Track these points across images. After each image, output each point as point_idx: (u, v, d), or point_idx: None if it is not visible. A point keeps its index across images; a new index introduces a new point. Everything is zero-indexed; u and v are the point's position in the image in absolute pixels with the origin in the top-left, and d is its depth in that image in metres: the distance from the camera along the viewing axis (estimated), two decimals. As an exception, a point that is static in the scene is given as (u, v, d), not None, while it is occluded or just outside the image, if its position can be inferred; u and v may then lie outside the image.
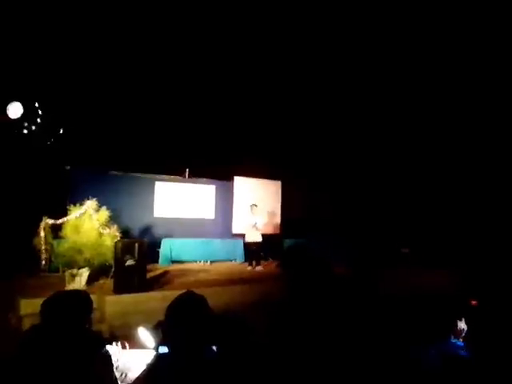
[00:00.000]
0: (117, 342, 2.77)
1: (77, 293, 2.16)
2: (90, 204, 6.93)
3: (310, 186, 12.35)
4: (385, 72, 9.78)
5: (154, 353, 2.56)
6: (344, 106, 11.09)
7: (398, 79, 9.85)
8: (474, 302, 3.79)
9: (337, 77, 10.03)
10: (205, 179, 11.49)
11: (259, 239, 9.29)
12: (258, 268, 9.10)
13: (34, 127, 8.14)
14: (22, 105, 7.76)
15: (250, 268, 9.04)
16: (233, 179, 11.50)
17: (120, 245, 5.86)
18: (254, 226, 9.34)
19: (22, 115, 7.80)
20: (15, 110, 7.66)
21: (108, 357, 2.02)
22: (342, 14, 8.05)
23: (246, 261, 9.76)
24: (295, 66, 9.77)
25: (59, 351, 1.81)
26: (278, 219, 11.94)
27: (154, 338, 2.91)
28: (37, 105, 8.25)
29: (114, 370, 2.23)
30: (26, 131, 8.05)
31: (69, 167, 9.16)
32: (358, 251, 10.01)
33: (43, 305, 1.99)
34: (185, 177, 11.23)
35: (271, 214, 11.55)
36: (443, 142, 11.21)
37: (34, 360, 1.78)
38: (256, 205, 9.48)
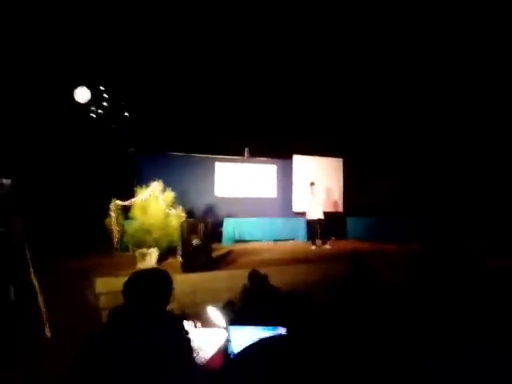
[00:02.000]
0: (188, 320, 2.82)
1: (157, 271, 2.18)
2: (156, 185, 7.12)
3: (374, 165, 11.90)
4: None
5: (224, 332, 2.58)
6: (412, 87, 10.57)
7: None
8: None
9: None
10: (265, 158, 11.45)
11: (320, 216, 9.13)
12: (326, 246, 8.99)
13: (100, 111, 8.46)
14: (90, 90, 8.08)
15: (314, 247, 8.93)
16: (293, 158, 11.36)
17: (186, 225, 6.00)
18: (315, 203, 9.21)
19: (90, 100, 8.12)
20: (82, 94, 7.98)
21: (189, 339, 2.03)
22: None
23: (308, 239, 9.66)
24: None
25: (146, 331, 1.83)
26: (339, 197, 11.67)
27: (224, 316, 2.93)
28: (103, 89, 8.55)
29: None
30: (93, 115, 8.40)
31: (133, 149, 9.49)
32: (425, 234, 9.53)
33: (126, 285, 2.01)
34: (244, 156, 11.27)
35: (332, 192, 11.31)
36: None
37: (121, 339, 1.81)
38: (314, 183, 9.32)
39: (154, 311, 1.94)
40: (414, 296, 4.55)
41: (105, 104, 8.54)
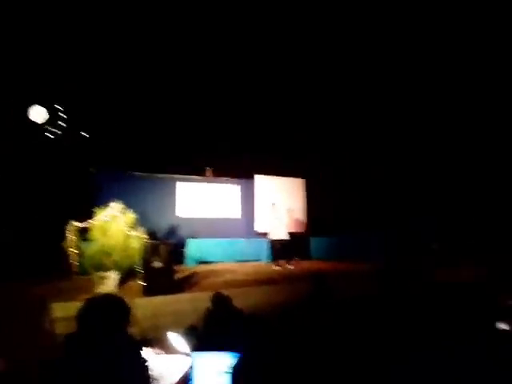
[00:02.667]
0: (149, 346, 2.73)
1: (111, 298, 2.10)
2: (116, 206, 6.94)
3: (335, 183, 12.17)
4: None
5: (188, 358, 2.51)
6: (365, 99, 10.90)
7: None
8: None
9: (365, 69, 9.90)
10: (227, 178, 11.46)
11: (285, 236, 9.18)
12: (289, 267, 9.00)
13: (57, 131, 8.24)
14: (47, 109, 7.86)
15: (277, 268, 8.92)
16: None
17: (148, 247, 5.87)
18: (278, 223, 9.27)
19: (48, 120, 7.90)
20: (38, 113, 7.75)
21: (145, 368, 1.97)
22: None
23: (272, 260, 9.67)
24: (317, 59, 9.66)
25: (99, 360, 1.76)
26: (303, 217, 11.80)
27: (187, 342, 2.86)
28: (60, 108, 8.35)
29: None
30: (50, 135, 8.16)
31: (94, 170, 9.27)
32: (387, 247, 9.83)
33: (78, 312, 1.94)
34: (206, 176, 11.22)
35: (294, 212, 11.43)
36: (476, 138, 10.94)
37: (74, 368, 1.73)
38: (275, 203, 9.44)
39: (108, 339, 1.86)
40: (375, 312, 4.63)
41: (62, 124, 8.29)
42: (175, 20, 8.04)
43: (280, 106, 10.96)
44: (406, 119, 11.13)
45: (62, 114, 8.40)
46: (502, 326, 2.85)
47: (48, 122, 8.00)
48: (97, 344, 1.81)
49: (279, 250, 9.20)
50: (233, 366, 2.22)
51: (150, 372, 2.25)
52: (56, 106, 8.30)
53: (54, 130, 8.24)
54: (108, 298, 2.08)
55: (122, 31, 7.83)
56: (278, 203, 9.54)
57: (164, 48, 8.72)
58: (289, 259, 9.18)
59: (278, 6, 7.98)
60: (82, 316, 1.91)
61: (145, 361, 2.01)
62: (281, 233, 9.19)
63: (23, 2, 6.65)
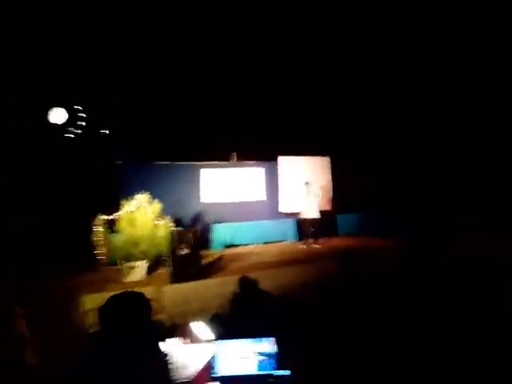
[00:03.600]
0: (174, 335, 2.78)
1: (132, 295, 2.13)
2: (142, 197, 7.06)
3: (361, 160, 11.96)
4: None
5: (211, 347, 2.55)
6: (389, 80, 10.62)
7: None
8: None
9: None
10: (251, 162, 11.41)
11: (317, 215, 9.13)
12: (316, 246, 9.00)
13: (78, 131, 8.38)
14: (66, 110, 7.99)
15: (304, 246, 8.92)
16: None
17: (174, 235, 5.95)
18: (311, 202, 9.20)
19: (67, 120, 8.04)
20: (58, 115, 7.89)
21: (165, 362, 2.01)
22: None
23: (300, 239, 9.66)
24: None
25: (120, 356, 1.80)
26: (329, 195, 11.68)
27: (212, 330, 2.90)
28: (79, 108, 8.46)
29: (171, 366, 2.23)
30: (71, 135, 8.31)
31: (120, 162, 9.41)
32: (415, 224, 9.65)
33: (100, 310, 1.98)
34: (230, 161, 11.22)
35: (323, 190, 11.33)
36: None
37: (98, 365, 1.78)
38: (308, 182, 9.38)
39: (129, 335, 1.90)
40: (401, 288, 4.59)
41: (82, 123, 8.42)
42: (187, 17, 7.97)
43: (299, 87, 10.78)
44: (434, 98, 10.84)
45: (82, 114, 8.50)
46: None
47: (69, 122, 8.12)
48: (118, 342, 1.85)
49: (308, 229, 9.17)
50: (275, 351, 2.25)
51: (173, 362, 2.30)
52: (75, 106, 8.40)
53: (75, 129, 8.36)
54: (127, 294, 2.11)
55: (137, 28, 7.83)
56: (311, 182, 9.46)
57: (185, 37, 8.68)
58: (316, 238, 9.14)
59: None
60: (102, 315, 1.96)
61: (165, 355, 2.05)
62: (313, 212, 9.13)
63: (40, 6, 6.70)
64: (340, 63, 10.23)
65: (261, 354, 2.32)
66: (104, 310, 1.96)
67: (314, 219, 9.14)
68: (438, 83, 10.68)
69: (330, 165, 11.91)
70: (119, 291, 2.13)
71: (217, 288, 5.41)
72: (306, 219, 9.26)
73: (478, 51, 9.13)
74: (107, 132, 9.15)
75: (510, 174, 10.57)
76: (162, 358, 2.00)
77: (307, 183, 9.36)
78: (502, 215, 9.86)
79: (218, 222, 9.87)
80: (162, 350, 2.06)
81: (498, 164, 10.91)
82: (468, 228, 9.65)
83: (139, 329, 1.97)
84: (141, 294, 2.13)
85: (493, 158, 11.01)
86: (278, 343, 2.32)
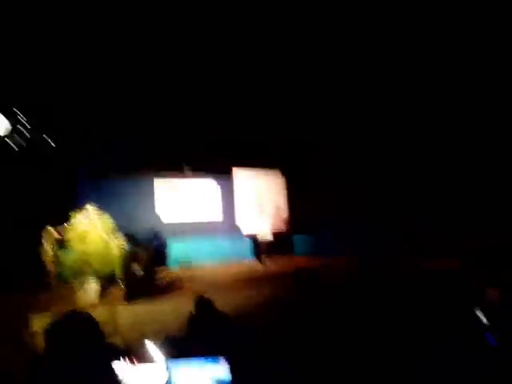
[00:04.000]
0: (129, 356, 2.69)
1: (79, 316, 2.04)
2: (92, 209, 6.79)
3: (314, 178, 12.16)
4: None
5: (163, 367, 2.48)
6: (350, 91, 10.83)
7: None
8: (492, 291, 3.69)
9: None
10: (205, 173, 11.32)
11: (269, 237, 9.15)
12: (271, 264, 8.97)
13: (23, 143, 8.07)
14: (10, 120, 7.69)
15: (260, 266, 8.90)
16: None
17: (127, 253, 5.80)
18: (263, 223, 9.24)
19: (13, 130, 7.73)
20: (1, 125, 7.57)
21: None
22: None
23: (254, 259, 9.68)
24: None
25: (69, 379, 1.72)
26: (284, 214, 11.80)
27: (163, 351, 2.82)
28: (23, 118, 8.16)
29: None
30: (14, 146, 7.99)
31: (70, 173, 9.11)
32: (367, 243, 9.91)
33: (45, 333, 1.89)
34: (183, 173, 11.08)
35: (278, 210, 11.45)
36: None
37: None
38: (261, 203, 9.41)
39: (79, 357, 1.82)
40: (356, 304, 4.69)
41: (26, 134, 8.11)
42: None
43: (258, 101, 10.82)
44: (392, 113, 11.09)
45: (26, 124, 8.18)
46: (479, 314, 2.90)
47: (14, 132, 7.79)
48: (66, 364, 1.77)
49: (262, 249, 9.18)
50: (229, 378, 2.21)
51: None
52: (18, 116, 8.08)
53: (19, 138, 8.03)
54: (73, 315, 2.03)
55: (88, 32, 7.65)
56: (263, 199, 9.50)
57: (155, 50, 8.56)
58: (270, 257, 9.19)
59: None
60: (47, 338, 1.86)
61: (116, 376, 1.97)
62: (266, 233, 9.14)
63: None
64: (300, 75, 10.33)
65: (217, 381, 2.29)
66: (48, 333, 1.88)
67: (267, 240, 9.14)
68: (410, 92, 10.88)
69: (284, 182, 12.03)
70: (69, 311, 2.05)
71: (172, 308, 5.30)
72: (259, 240, 9.30)
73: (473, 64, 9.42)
74: (53, 144, 8.81)
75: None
76: (115, 379, 1.93)
77: (259, 205, 9.40)
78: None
79: (175, 236, 9.71)
80: (115, 371, 1.98)
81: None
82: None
83: (87, 350, 1.90)
84: (88, 315, 2.06)
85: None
86: (230, 363, 2.30)
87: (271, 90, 10.59)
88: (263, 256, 9.12)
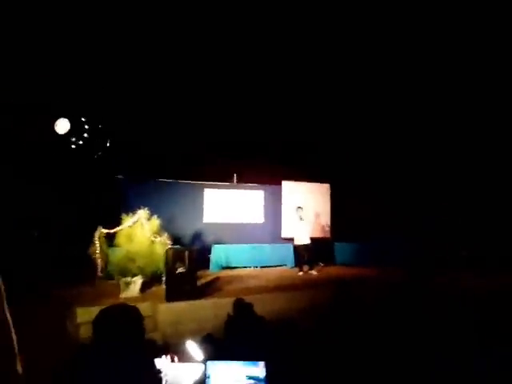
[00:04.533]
0: (166, 354, 2.77)
1: (125, 308, 2.13)
2: (142, 213, 7.09)
3: (362, 187, 12.02)
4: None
5: (201, 366, 2.54)
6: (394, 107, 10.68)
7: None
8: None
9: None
10: (253, 184, 11.51)
11: (307, 241, 9.09)
12: (313, 272, 8.88)
13: (81, 142, 8.45)
14: (69, 120, 8.07)
15: (300, 273, 8.87)
16: (281, 183, 11.41)
17: (170, 253, 5.92)
18: (302, 228, 9.19)
19: (69, 130, 8.10)
20: (62, 126, 7.98)
21: (159, 380, 2.01)
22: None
23: (296, 265, 9.63)
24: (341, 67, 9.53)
25: (113, 371, 1.80)
26: (327, 222, 11.71)
27: (203, 350, 2.88)
28: (83, 119, 8.53)
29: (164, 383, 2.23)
30: (73, 146, 8.38)
31: (121, 176, 9.50)
32: (414, 255, 9.65)
33: (93, 322, 1.98)
34: (233, 182, 11.32)
35: (320, 217, 11.36)
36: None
37: (89, 378, 1.77)
38: (301, 207, 9.34)
39: (123, 349, 1.90)
40: (398, 319, 4.56)
41: (85, 135, 8.49)
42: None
43: (304, 114, 10.87)
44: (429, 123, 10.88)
45: (86, 126, 8.56)
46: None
47: (70, 133, 8.19)
48: (110, 355, 1.85)
49: (303, 255, 9.13)
50: (264, 375, 2.25)
51: (165, 380, 2.30)
52: (80, 117, 8.48)
53: (78, 140, 8.42)
54: (121, 308, 2.12)
55: (137, 44, 7.93)
56: (304, 207, 9.46)
57: (195, 61, 8.80)
58: (312, 265, 9.07)
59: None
60: (95, 327, 1.96)
61: (159, 371, 2.05)
62: (304, 238, 9.12)
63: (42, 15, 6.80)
64: (342, 93, 10.29)
65: (251, 377, 2.32)
66: (98, 323, 1.97)
67: (306, 245, 9.08)
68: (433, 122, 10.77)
69: (329, 192, 12.00)
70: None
71: (211, 309, 5.39)
72: (299, 245, 9.20)
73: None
74: (109, 144, 9.18)
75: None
76: (156, 375, 2.00)
77: (299, 207, 9.35)
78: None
79: (219, 243, 9.87)
80: (156, 366, 2.06)
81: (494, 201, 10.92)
82: (464, 261, 9.67)
83: (134, 343, 1.98)
84: (135, 309, 2.14)
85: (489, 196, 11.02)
86: (269, 368, 2.32)
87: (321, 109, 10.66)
88: (304, 263, 9.04)
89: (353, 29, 8.13)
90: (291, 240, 10.03)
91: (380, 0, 7.46)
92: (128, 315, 2.04)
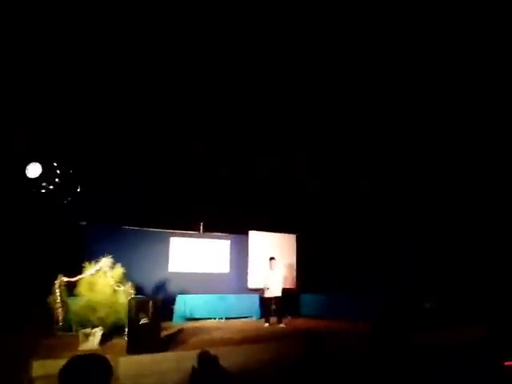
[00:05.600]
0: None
1: (95, 358, 2.06)
2: (105, 261, 6.95)
3: (326, 238, 12.22)
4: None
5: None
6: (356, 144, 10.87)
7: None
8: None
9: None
10: (219, 234, 11.52)
11: (279, 293, 8.98)
12: (281, 325, 8.69)
13: (51, 186, 8.32)
14: (41, 164, 7.99)
15: (266, 325, 8.72)
16: (247, 233, 11.46)
17: (133, 303, 5.76)
18: (274, 279, 9.07)
19: (41, 174, 8.00)
20: (33, 169, 7.89)
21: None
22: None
23: (261, 317, 9.49)
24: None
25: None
26: (294, 273, 11.74)
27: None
28: (55, 164, 8.46)
29: None
30: (43, 190, 8.24)
31: (84, 223, 9.30)
32: (379, 306, 9.71)
33: (60, 372, 1.91)
34: (199, 231, 11.28)
35: (288, 268, 11.38)
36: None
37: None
38: (274, 258, 9.31)
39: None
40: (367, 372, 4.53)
41: (56, 180, 8.39)
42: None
43: (269, 164, 11.06)
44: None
45: (57, 170, 8.48)
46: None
47: (42, 178, 8.08)
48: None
49: (271, 306, 9.01)
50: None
51: None
52: (52, 161, 8.41)
53: (48, 185, 8.29)
54: (90, 357, 2.06)
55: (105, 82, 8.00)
56: (276, 258, 9.42)
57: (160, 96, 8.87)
58: (280, 317, 8.92)
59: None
60: (62, 376, 1.89)
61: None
62: (276, 289, 8.98)
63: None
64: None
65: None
66: (65, 371, 1.90)
67: (276, 297, 8.99)
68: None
69: (295, 243, 12.11)
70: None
71: (175, 362, 5.20)
72: (269, 297, 9.07)
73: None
74: (78, 189, 9.07)
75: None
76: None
77: (272, 258, 9.28)
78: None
79: (184, 293, 9.67)
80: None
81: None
82: (429, 313, 9.79)
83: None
84: (105, 358, 2.08)
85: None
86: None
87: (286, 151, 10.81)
88: (270, 315, 8.92)
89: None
90: (257, 291, 9.96)
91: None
92: (99, 366, 1.99)
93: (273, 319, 8.91)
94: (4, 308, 7.15)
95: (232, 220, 11.28)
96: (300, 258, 11.99)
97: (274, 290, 8.97)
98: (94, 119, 8.45)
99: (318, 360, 4.92)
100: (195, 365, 4.23)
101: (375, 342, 6.18)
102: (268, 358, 5.64)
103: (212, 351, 4.44)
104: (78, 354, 2.09)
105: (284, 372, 4.85)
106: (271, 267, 9.15)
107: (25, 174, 7.85)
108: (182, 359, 5.09)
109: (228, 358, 4.68)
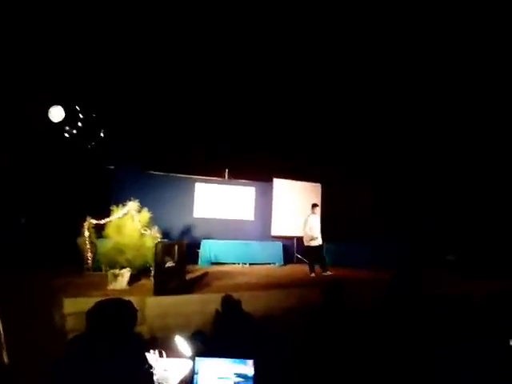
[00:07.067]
0: (154, 349, 2.73)
1: (121, 302, 2.10)
2: (132, 205, 7.02)
3: (352, 188, 12.04)
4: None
5: (189, 362, 2.51)
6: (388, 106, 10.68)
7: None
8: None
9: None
10: (244, 180, 11.46)
11: (321, 242, 8.57)
12: (329, 272, 8.43)
13: (74, 131, 8.33)
14: (64, 109, 7.95)
15: (313, 275, 8.35)
16: (272, 180, 11.38)
17: (160, 246, 5.86)
18: (318, 227, 8.73)
19: (64, 119, 7.98)
20: (57, 113, 7.86)
21: (151, 374, 1.98)
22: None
23: (285, 263, 9.59)
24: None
25: (104, 363, 1.77)
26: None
27: (191, 346, 2.85)
28: (78, 108, 8.41)
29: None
30: (67, 135, 8.26)
31: (112, 167, 9.40)
32: (401, 255, 9.66)
33: (88, 314, 1.95)
34: (224, 178, 11.26)
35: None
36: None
37: (80, 369, 1.74)
38: (318, 204, 8.95)
39: (115, 342, 1.87)
40: (388, 321, 4.55)
41: (79, 124, 8.37)
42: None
43: (298, 113, 10.87)
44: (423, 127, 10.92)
45: (80, 115, 8.45)
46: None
47: (65, 122, 8.07)
48: (104, 348, 1.82)
49: (315, 256, 8.63)
50: (252, 374, 2.23)
51: (155, 374, 2.27)
52: (75, 106, 8.36)
53: (71, 129, 8.30)
54: (116, 301, 2.09)
55: (135, 33, 7.85)
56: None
57: (190, 55, 8.72)
58: (325, 265, 8.64)
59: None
60: (90, 319, 1.92)
61: (150, 366, 2.02)
62: (320, 238, 8.59)
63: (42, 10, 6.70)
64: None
65: (239, 375, 2.30)
66: (93, 314, 1.93)
67: (320, 246, 8.58)
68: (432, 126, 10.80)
69: (320, 192, 11.94)
70: (101, 298, 2.10)
71: (199, 304, 5.35)
72: (314, 246, 8.52)
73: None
74: (103, 135, 9.08)
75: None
76: (148, 369, 1.97)
77: (315, 205, 8.81)
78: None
79: (208, 238, 9.82)
80: (149, 361, 2.03)
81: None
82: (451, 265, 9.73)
83: (128, 337, 1.95)
84: (130, 303, 2.11)
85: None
86: (257, 366, 2.30)
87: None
88: (316, 263, 8.61)
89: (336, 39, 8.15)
90: (280, 238, 10.03)
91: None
92: (123, 309, 2.02)
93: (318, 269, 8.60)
94: (37, 248, 7.46)
95: (257, 167, 11.17)
96: (325, 208, 11.87)
97: (320, 239, 8.56)
98: (118, 62, 8.31)
99: (336, 308, 4.96)
100: (219, 308, 4.32)
101: (392, 291, 6.18)
102: (289, 302, 5.73)
103: (236, 295, 4.51)
104: (107, 294, 2.12)
105: (304, 315, 4.92)
106: (314, 213, 8.69)
107: (48, 119, 7.84)
108: (206, 302, 5.22)
109: (250, 302, 4.75)
